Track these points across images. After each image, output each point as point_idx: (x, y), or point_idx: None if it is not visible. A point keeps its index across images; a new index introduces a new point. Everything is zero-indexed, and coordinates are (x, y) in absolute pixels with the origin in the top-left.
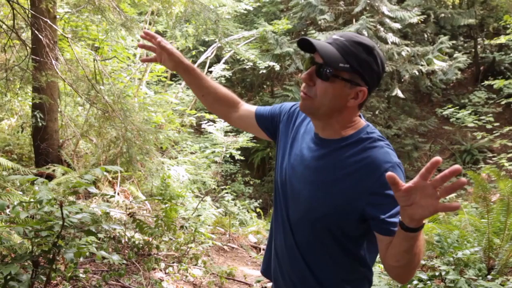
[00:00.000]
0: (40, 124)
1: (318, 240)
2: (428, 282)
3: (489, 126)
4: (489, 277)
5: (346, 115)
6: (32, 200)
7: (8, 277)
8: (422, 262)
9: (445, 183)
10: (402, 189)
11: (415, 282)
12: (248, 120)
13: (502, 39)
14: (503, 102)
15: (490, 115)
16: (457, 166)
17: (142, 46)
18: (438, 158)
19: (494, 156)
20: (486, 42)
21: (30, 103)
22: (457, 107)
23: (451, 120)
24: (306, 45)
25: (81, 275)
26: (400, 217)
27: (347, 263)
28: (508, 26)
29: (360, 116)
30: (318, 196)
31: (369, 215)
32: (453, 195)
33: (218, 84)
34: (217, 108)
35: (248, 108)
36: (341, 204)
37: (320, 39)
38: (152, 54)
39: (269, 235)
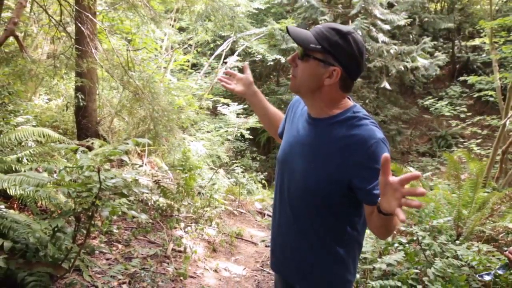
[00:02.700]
0: (82, 104)
1: (313, 210)
2: (407, 245)
3: (462, 116)
4: (458, 242)
5: (326, 94)
6: (74, 166)
7: (56, 229)
8: (403, 228)
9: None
10: (386, 177)
11: (396, 245)
12: None
13: (476, 41)
14: (475, 96)
15: (464, 106)
16: (417, 173)
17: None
18: (418, 174)
19: (465, 142)
20: (463, 43)
21: (74, 86)
22: (436, 99)
23: (430, 109)
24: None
25: (114, 230)
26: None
27: (339, 228)
28: (481, 30)
29: (348, 98)
30: (311, 169)
31: (355, 186)
32: (429, 173)
33: (271, 109)
34: (271, 132)
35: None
36: (332, 176)
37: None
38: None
39: (272, 215)
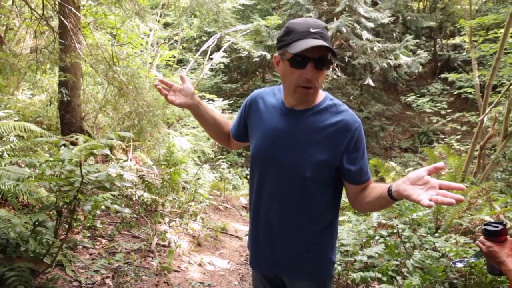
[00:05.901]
0: (66, 99)
1: (309, 199)
2: (388, 237)
3: (443, 112)
4: (436, 234)
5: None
6: (56, 160)
7: (37, 223)
8: (383, 221)
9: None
10: (426, 173)
11: (377, 237)
12: (238, 143)
13: (457, 40)
14: (455, 93)
15: (444, 103)
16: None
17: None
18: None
19: (445, 137)
20: (444, 42)
21: (57, 81)
22: (418, 96)
23: (412, 106)
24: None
25: (98, 225)
26: (392, 189)
27: (330, 211)
28: (462, 29)
29: None
30: (305, 158)
31: (343, 167)
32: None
33: (218, 117)
34: (221, 141)
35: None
36: (327, 161)
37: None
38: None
39: (253, 213)
